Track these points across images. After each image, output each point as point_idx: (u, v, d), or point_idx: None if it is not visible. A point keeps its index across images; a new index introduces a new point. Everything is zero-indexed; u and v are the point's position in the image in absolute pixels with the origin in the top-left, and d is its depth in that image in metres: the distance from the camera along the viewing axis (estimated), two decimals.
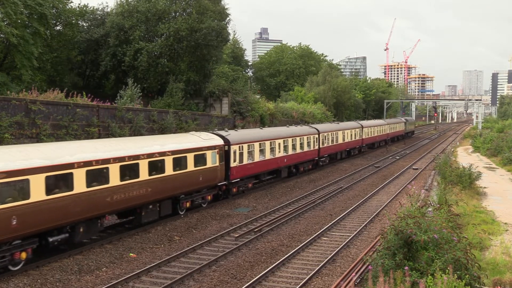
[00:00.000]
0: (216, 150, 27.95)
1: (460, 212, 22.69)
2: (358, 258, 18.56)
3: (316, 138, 43.25)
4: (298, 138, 39.20)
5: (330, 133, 47.08)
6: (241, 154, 30.71)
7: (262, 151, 33.32)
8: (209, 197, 28.25)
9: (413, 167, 48.77)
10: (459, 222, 19.16)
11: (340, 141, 50.17)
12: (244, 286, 15.95)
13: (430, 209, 17.79)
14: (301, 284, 16.34)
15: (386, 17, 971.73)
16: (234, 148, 29.97)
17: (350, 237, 22.10)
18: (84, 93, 32.58)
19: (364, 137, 58.40)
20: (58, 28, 46.44)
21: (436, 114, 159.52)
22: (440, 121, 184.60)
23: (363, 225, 24.49)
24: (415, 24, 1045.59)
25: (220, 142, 28.91)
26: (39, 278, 16.62)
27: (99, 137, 29.46)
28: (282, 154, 36.30)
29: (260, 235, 22.45)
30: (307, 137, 41.31)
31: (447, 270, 12.14)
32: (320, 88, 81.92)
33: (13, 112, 25.07)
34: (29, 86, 33.25)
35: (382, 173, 44.81)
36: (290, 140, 37.85)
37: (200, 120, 41.66)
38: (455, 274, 12.19)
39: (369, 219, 25.80)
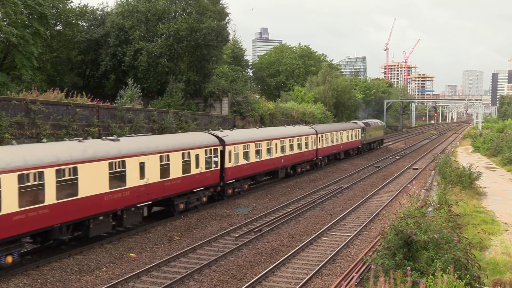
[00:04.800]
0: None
1: (460, 212, 22.69)
2: (358, 258, 18.56)
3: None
4: None
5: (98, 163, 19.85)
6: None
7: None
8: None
9: (413, 167, 48.77)
10: (459, 222, 19.16)
11: (141, 180, 22.06)
12: (244, 286, 15.95)
13: (430, 209, 17.81)
14: (301, 284, 16.35)
15: (386, 16, 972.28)
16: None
17: (350, 237, 22.11)
18: (84, 93, 32.55)
19: (233, 164, 29.64)
20: (58, 28, 46.40)
21: (436, 114, 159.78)
22: (440, 121, 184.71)
23: (363, 225, 24.49)
24: (415, 23, 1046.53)
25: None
26: (39, 278, 16.63)
27: (99, 138, 29.40)
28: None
29: (260, 235, 22.46)
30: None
31: (447, 270, 12.14)
32: (320, 88, 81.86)
33: (13, 112, 25.05)
34: (29, 86, 33.23)
35: (382, 173, 44.81)
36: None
37: (200, 120, 41.64)
38: (455, 274, 12.19)
39: (369, 219, 25.81)
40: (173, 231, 23.02)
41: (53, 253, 18.90)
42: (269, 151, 34.76)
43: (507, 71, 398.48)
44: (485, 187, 34.31)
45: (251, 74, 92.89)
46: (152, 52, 45.46)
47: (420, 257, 13.80)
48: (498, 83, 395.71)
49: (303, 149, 41.03)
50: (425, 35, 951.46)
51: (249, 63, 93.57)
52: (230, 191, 30.25)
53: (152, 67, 45.38)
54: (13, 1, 32.10)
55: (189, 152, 25.62)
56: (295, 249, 20.06)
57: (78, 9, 48.76)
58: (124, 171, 21.06)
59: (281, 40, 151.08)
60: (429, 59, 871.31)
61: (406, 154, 62.32)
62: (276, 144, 35.76)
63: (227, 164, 29.25)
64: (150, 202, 23.15)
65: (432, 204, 18.71)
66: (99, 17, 50.36)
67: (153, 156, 22.87)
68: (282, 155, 36.77)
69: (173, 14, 48.05)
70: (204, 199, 27.64)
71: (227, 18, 49.99)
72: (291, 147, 38.56)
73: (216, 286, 16.46)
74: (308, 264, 18.77)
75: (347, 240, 21.58)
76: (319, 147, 44.55)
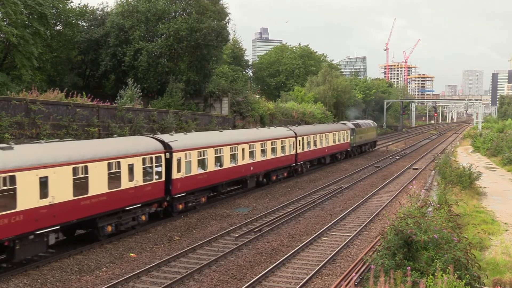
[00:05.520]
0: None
1: (460, 212, 22.70)
2: (358, 258, 18.56)
3: None
4: None
5: None
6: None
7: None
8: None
9: (413, 167, 48.77)
10: (459, 222, 19.18)
11: None
12: (244, 286, 15.95)
13: (430, 209, 17.84)
14: (301, 284, 16.34)
15: (386, 16, 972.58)
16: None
17: (350, 237, 22.11)
18: (84, 93, 32.54)
19: (183, 174, 25.37)
20: (58, 28, 46.40)
21: (436, 114, 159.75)
22: (440, 121, 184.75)
23: (363, 225, 24.50)
24: (415, 24, 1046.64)
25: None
26: (39, 278, 16.62)
27: (99, 137, 29.40)
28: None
29: (260, 235, 22.46)
30: None
31: (447, 270, 12.14)
32: (320, 88, 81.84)
33: (13, 112, 25.05)
34: (29, 86, 33.22)
35: (382, 173, 44.80)
36: None
37: (200, 120, 41.63)
38: (455, 274, 12.19)
39: (369, 219, 25.81)
40: (173, 231, 23.02)
41: (53, 253, 18.89)
42: (233, 157, 30.07)
43: (507, 71, 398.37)
44: (485, 187, 34.30)
45: (251, 74, 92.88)
46: (152, 52, 45.46)
47: (420, 257, 13.80)
48: (498, 83, 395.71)
49: (279, 154, 36.35)
50: (425, 35, 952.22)
51: (249, 63, 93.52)
52: (180, 206, 25.53)
53: (152, 67, 45.38)
54: (13, 1, 32.10)
55: (118, 162, 20.76)
56: (295, 249, 20.06)
57: (78, 9, 48.75)
58: (14, 189, 16.17)
59: (281, 40, 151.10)
60: (429, 59, 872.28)
61: (406, 154, 62.32)
62: (243, 149, 31.03)
63: (175, 175, 24.49)
64: (58, 227, 18.20)
65: (432, 204, 18.73)
66: (99, 17, 50.33)
67: (62, 168, 18.01)
68: (251, 161, 32.16)
69: (173, 14, 48.04)
70: (144, 217, 22.85)
71: (227, 18, 50.03)
72: (263, 152, 33.89)
73: (216, 286, 16.46)
74: (308, 264, 18.77)
75: (347, 240, 21.58)
76: (299, 151, 39.94)
